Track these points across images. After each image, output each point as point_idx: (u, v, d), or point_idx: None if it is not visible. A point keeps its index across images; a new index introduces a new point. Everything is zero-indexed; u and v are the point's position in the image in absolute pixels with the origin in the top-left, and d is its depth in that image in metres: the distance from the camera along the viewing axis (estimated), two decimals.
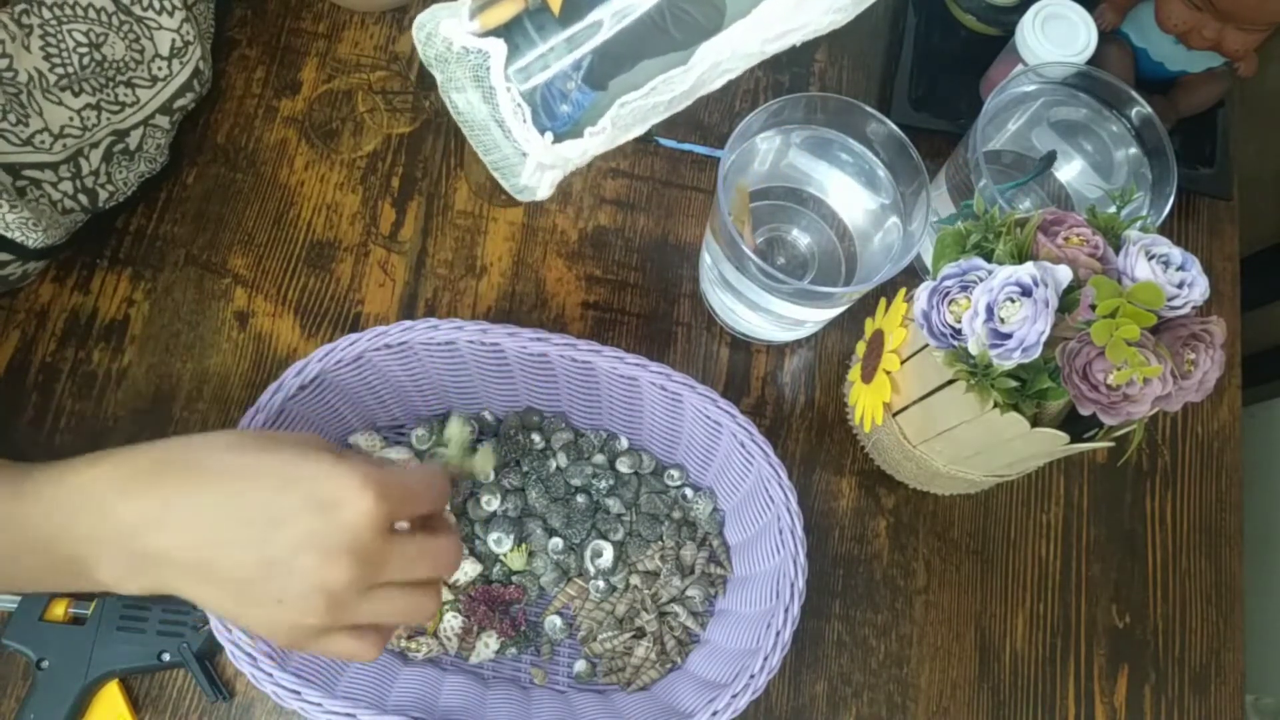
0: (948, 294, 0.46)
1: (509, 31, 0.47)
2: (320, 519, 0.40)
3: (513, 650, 0.59)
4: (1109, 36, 0.68)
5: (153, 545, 0.41)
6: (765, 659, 0.50)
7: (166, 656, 0.57)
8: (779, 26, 0.48)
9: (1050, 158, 0.60)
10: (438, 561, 0.44)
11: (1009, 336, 0.43)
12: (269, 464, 0.42)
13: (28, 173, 0.57)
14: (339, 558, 0.40)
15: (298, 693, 0.48)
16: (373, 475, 0.41)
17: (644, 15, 0.47)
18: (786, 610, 0.51)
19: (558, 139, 0.48)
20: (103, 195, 0.62)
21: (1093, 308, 0.42)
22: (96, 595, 0.58)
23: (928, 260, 0.62)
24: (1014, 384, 0.46)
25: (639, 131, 0.50)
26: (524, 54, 0.47)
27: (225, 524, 0.40)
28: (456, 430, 0.59)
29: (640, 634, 0.59)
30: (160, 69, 0.62)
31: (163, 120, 0.63)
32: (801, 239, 0.63)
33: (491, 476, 0.61)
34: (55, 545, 0.42)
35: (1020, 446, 0.50)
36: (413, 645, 0.58)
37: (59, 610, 0.57)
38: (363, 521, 0.40)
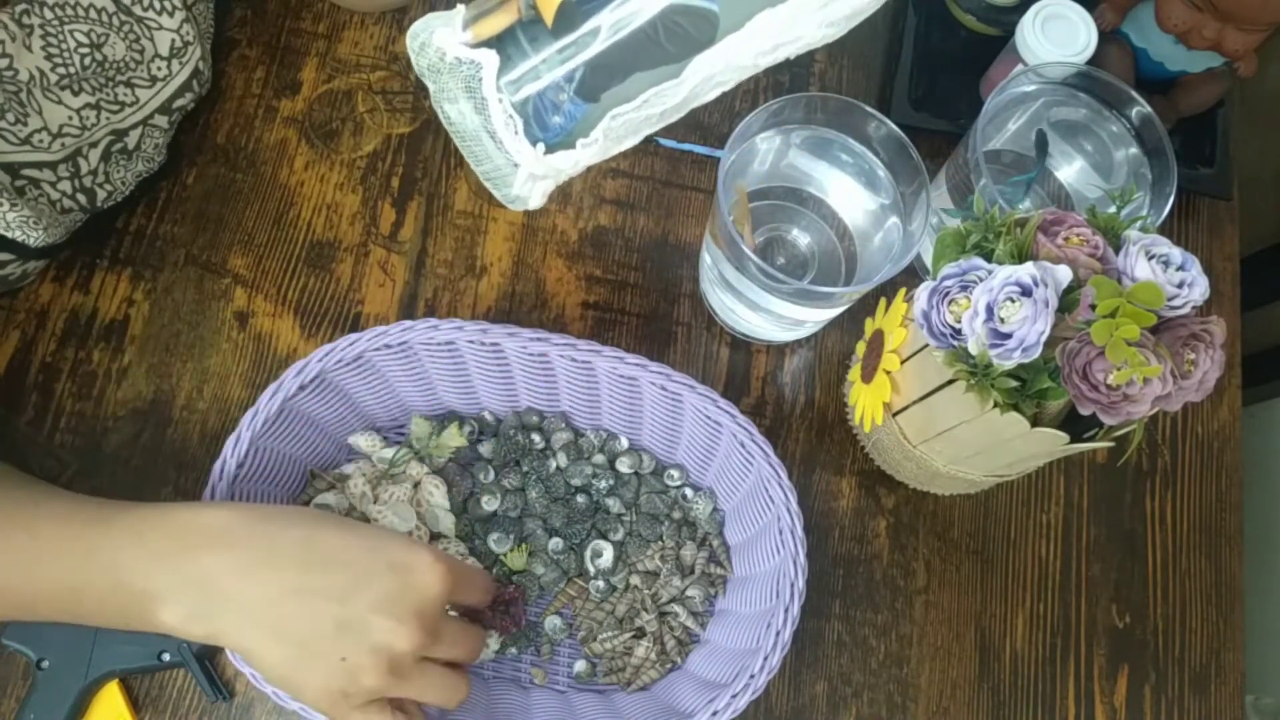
0: (948, 294, 0.46)
1: (501, 43, 0.47)
2: (398, 582, 0.44)
3: (513, 650, 0.59)
4: (1109, 36, 0.68)
5: (233, 592, 0.43)
6: (765, 659, 0.50)
7: (166, 656, 0.57)
8: (772, 40, 0.48)
9: (1042, 141, 0.60)
10: (471, 648, 0.48)
11: (1009, 336, 0.43)
12: (358, 531, 0.46)
13: (26, 172, 0.57)
14: (409, 620, 0.43)
15: None
16: (442, 555, 0.46)
17: (637, 28, 0.47)
18: (786, 610, 0.51)
19: (549, 150, 0.48)
20: (101, 195, 0.62)
21: (1093, 308, 0.42)
22: None
23: (928, 260, 0.62)
24: (1014, 384, 0.46)
25: (631, 143, 0.50)
26: (516, 65, 0.47)
27: (313, 577, 0.43)
28: (417, 428, 0.60)
29: (640, 634, 0.59)
30: (160, 69, 0.62)
31: (161, 120, 0.63)
32: (801, 239, 0.63)
33: (466, 444, 0.61)
34: (129, 579, 0.43)
35: (1020, 446, 0.50)
36: None
37: None
38: (433, 589, 0.44)
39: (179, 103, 0.64)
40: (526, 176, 0.49)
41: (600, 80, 0.48)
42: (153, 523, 0.44)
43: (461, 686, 0.47)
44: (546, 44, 0.47)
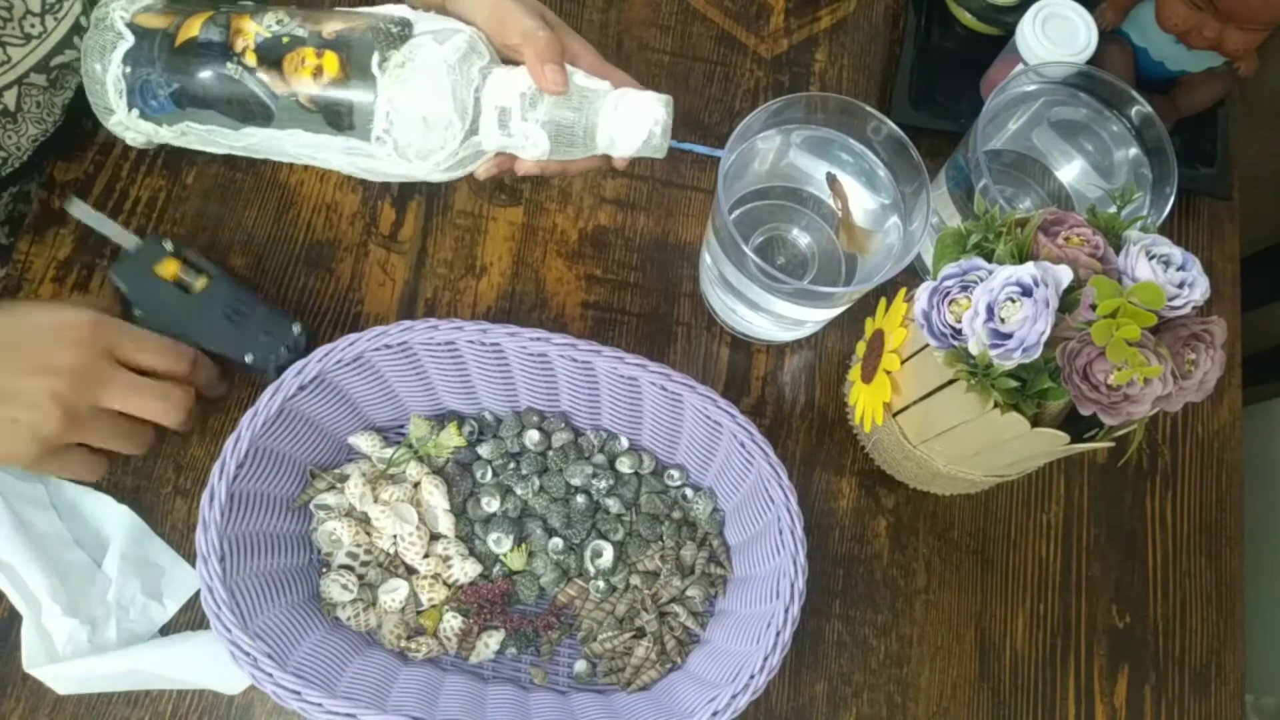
0: (948, 294, 0.46)
1: (147, 37, 0.56)
2: (47, 342, 0.50)
3: (512, 650, 0.59)
4: (1109, 36, 0.68)
5: None
6: (765, 659, 0.50)
7: (249, 359, 0.59)
8: (300, 148, 0.56)
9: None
10: (160, 401, 0.54)
11: (1009, 336, 0.43)
12: (12, 309, 0.52)
13: None
14: (64, 373, 0.50)
15: (298, 693, 0.48)
16: (93, 306, 0.53)
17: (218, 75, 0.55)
18: (786, 610, 0.51)
19: (142, 116, 0.57)
20: None
21: (1093, 308, 0.42)
22: (212, 274, 0.60)
23: (928, 260, 0.62)
24: (1014, 384, 0.46)
25: (208, 149, 0.59)
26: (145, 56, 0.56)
27: None
28: (417, 428, 0.60)
29: (640, 634, 0.59)
30: (33, 26, 0.60)
31: (39, 79, 0.61)
32: (801, 239, 0.63)
33: (465, 444, 0.62)
34: None
35: (1020, 446, 0.50)
36: (412, 645, 0.58)
37: (171, 268, 0.59)
38: (83, 338, 0.51)
39: (59, 60, 0.61)
40: (118, 122, 0.58)
41: (184, 103, 0.56)
42: None
43: (141, 436, 0.55)
44: (164, 57, 0.56)
